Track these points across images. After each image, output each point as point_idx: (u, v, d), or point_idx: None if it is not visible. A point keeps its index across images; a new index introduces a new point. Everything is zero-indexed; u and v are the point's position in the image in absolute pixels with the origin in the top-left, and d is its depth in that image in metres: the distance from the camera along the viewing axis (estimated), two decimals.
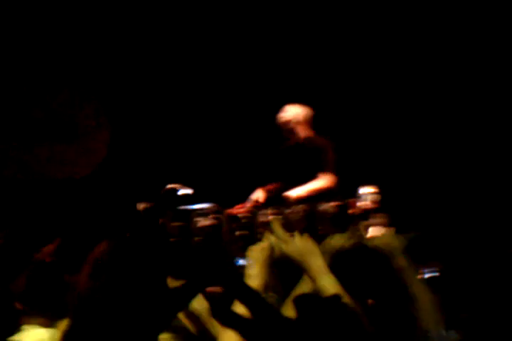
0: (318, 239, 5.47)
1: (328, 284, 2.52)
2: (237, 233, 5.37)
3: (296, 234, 2.65)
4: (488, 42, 6.90)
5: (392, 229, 5.52)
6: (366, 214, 5.42)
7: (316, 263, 2.58)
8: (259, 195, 6.03)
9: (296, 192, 5.62)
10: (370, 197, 5.57)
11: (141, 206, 5.62)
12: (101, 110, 7.52)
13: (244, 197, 6.07)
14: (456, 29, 6.93)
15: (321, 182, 5.83)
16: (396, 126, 7.20)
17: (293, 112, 5.93)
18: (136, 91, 7.56)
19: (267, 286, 2.69)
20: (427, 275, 4.92)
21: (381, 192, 5.69)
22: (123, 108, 7.58)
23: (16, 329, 3.42)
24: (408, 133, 7.16)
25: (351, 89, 7.29)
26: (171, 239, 5.59)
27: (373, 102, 7.24)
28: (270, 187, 6.14)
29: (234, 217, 5.54)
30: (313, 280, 2.54)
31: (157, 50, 7.45)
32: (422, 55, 7.09)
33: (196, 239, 5.51)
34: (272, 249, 2.72)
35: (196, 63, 7.51)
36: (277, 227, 2.70)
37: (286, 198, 5.52)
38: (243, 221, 5.46)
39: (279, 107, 6.60)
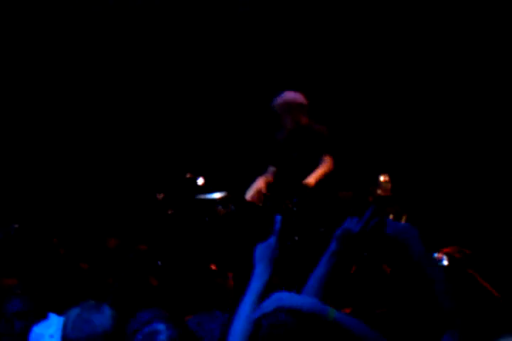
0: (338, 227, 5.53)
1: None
2: (256, 221, 5.42)
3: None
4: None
5: (405, 216, 5.59)
6: (384, 201, 5.48)
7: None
8: (260, 184, 6.02)
9: (313, 178, 5.65)
10: (387, 185, 5.63)
11: (160, 196, 5.69)
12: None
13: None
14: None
15: (328, 165, 5.87)
16: (406, 113, 7.22)
17: (290, 98, 5.96)
18: (150, 85, 7.59)
19: (271, 285, 2.66)
20: (443, 262, 4.99)
21: (393, 180, 5.75)
22: (138, 101, 7.62)
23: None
24: (417, 121, 7.18)
25: (361, 77, 7.29)
26: (191, 228, 5.66)
27: (381, 92, 7.25)
28: (269, 174, 6.13)
29: (251, 205, 5.58)
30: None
31: (166, 43, 7.46)
32: (424, 42, 7.08)
33: (215, 227, 5.57)
34: (277, 246, 2.69)
35: (202, 57, 7.54)
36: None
37: (307, 185, 5.54)
38: (260, 207, 5.50)
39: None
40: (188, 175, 5.89)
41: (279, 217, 2.65)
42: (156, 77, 7.55)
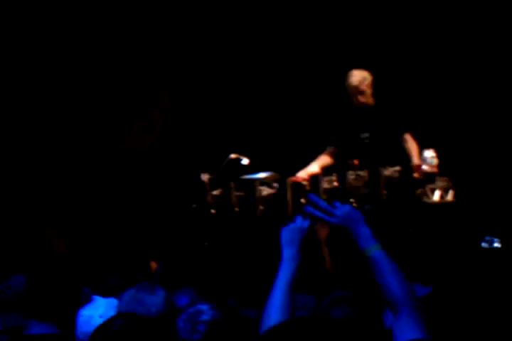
0: (382, 204, 5.49)
1: (378, 254, 2.43)
2: (302, 200, 5.38)
3: (338, 203, 2.48)
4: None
5: (453, 192, 5.51)
6: (431, 177, 5.40)
7: (364, 231, 2.40)
8: (314, 168, 5.92)
9: (417, 161, 5.58)
10: (433, 161, 5.55)
11: (204, 177, 5.67)
12: (162, 83, 7.55)
13: (305, 163, 6.00)
14: None
15: (414, 143, 5.80)
16: (451, 85, 7.09)
17: (362, 76, 5.89)
18: (196, 63, 7.55)
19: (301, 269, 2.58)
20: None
21: (440, 155, 5.66)
22: (184, 81, 7.59)
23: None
24: (463, 95, 7.05)
25: (410, 54, 7.16)
26: (235, 209, 5.65)
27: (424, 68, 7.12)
28: (329, 155, 6.03)
29: (298, 185, 5.54)
30: (362, 249, 2.44)
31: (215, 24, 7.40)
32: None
33: (261, 207, 5.55)
34: (307, 229, 2.57)
35: (255, 35, 7.45)
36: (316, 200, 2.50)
37: (417, 169, 5.47)
38: (307, 188, 5.46)
39: (331, 72, 6.55)
40: (231, 156, 5.86)
41: (314, 197, 2.49)
42: (202, 54, 7.50)
